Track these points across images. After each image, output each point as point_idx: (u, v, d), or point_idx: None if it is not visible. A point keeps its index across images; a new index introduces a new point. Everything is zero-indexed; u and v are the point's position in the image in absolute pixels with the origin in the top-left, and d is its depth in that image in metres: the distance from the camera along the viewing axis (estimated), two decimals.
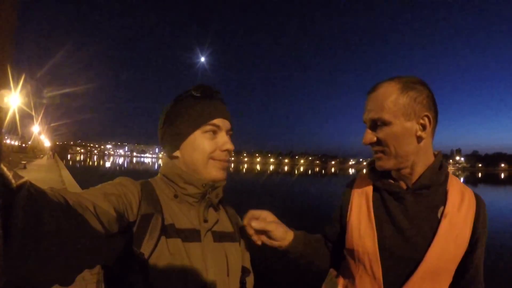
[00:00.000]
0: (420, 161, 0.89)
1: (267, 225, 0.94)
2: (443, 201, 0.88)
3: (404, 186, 0.91)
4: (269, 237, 0.96)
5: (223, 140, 0.84)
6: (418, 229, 0.87)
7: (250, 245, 0.98)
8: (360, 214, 0.96)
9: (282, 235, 0.98)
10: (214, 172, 0.83)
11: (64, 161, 43.64)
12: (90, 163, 67.27)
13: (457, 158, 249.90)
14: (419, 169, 0.89)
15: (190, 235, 0.77)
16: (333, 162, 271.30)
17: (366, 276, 0.91)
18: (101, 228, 0.54)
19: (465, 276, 0.88)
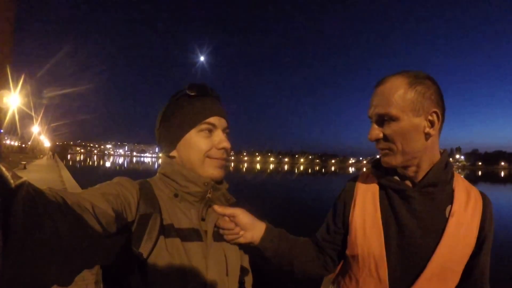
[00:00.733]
0: (427, 159, 0.85)
1: (232, 210, 0.86)
2: (450, 200, 0.86)
3: (410, 184, 0.88)
4: (236, 225, 0.86)
5: (219, 138, 0.83)
6: (425, 229, 0.84)
7: (250, 245, 0.96)
8: (365, 213, 0.91)
9: (250, 222, 0.88)
10: (211, 170, 0.82)
11: (64, 161, 43.56)
12: (90, 163, 67.15)
13: (457, 156, 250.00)
14: (425, 167, 0.86)
15: (190, 235, 0.76)
16: (333, 161, 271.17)
17: (371, 279, 0.87)
18: (100, 228, 0.54)
19: (471, 278, 0.86)
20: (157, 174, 0.86)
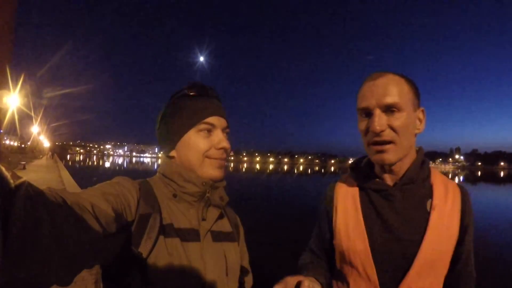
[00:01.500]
0: (409, 156, 0.88)
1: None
2: (430, 195, 0.88)
3: (390, 183, 0.90)
4: None
5: (218, 138, 0.82)
6: (409, 224, 0.85)
7: (249, 245, 0.96)
8: (347, 216, 0.93)
9: None
10: (211, 170, 0.81)
11: (63, 161, 43.61)
12: (90, 163, 67.16)
13: (457, 156, 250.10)
14: (407, 164, 0.88)
15: (189, 235, 0.76)
16: (332, 161, 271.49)
17: (361, 280, 0.87)
18: (100, 228, 0.54)
19: (458, 265, 0.88)
20: (157, 174, 0.86)
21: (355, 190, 0.95)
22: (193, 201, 0.81)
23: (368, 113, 0.86)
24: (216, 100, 0.87)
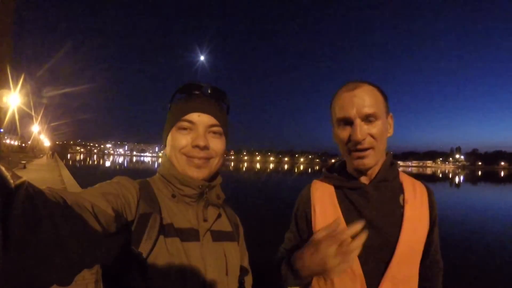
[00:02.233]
0: (382, 158, 0.96)
1: None
2: (401, 190, 0.97)
3: (365, 182, 0.96)
4: None
5: (195, 135, 0.80)
6: (386, 218, 0.91)
7: (248, 245, 0.97)
8: (326, 214, 0.97)
9: None
10: (187, 169, 0.80)
11: (64, 160, 43.59)
12: (90, 162, 67.15)
13: (457, 156, 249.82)
14: (378, 165, 0.96)
15: (189, 235, 0.76)
16: (333, 161, 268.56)
17: (346, 276, 0.90)
18: (100, 228, 0.54)
19: (429, 254, 0.96)
20: (157, 173, 0.86)
21: (331, 190, 1.00)
22: (191, 202, 0.81)
23: (347, 122, 0.92)
24: (208, 98, 0.84)
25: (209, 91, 0.85)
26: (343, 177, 0.99)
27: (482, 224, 11.11)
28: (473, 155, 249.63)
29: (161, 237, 0.71)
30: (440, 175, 67.53)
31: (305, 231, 1.03)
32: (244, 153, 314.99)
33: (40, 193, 0.41)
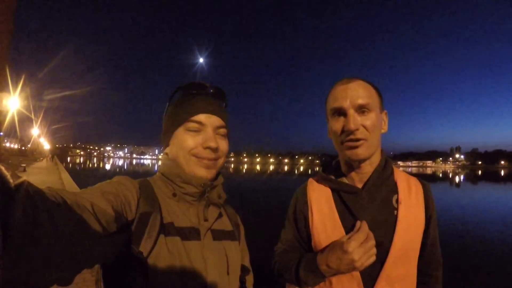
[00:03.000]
0: (376, 155, 0.96)
1: None
2: (395, 190, 0.97)
3: (359, 184, 0.97)
4: None
5: (206, 136, 0.80)
6: (381, 220, 0.93)
7: (250, 244, 0.97)
8: (324, 216, 0.98)
9: None
10: (196, 170, 0.80)
11: (63, 163, 43.55)
12: (90, 165, 67.07)
13: (457, 156, 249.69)
14: (373, 164, 0.96)
15: (189, 234, 0.75)
16: (333, 162, 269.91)
17: (343, 277, 0.91)
18: (100, 227, 0.54)
19: (426, 252, 0.96)
20: (157, 173, 0.85)
21: (328, 191, 1.01)
22: (192, 201, 0.80)
23: (340, 113, 0.92)
24: (213, 99, 0.85)
25: (212, 91, 0.86)
26: (338, 180, 1.01)
27: (482, 224, 11.10)
28: (473, 155, 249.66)
29: (162, 236, 0.70)
30: (440, 175, 67.49)
31: (303, 232, 1.04)
32: (244, 155, 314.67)
33: (40, 193, 0.41)
